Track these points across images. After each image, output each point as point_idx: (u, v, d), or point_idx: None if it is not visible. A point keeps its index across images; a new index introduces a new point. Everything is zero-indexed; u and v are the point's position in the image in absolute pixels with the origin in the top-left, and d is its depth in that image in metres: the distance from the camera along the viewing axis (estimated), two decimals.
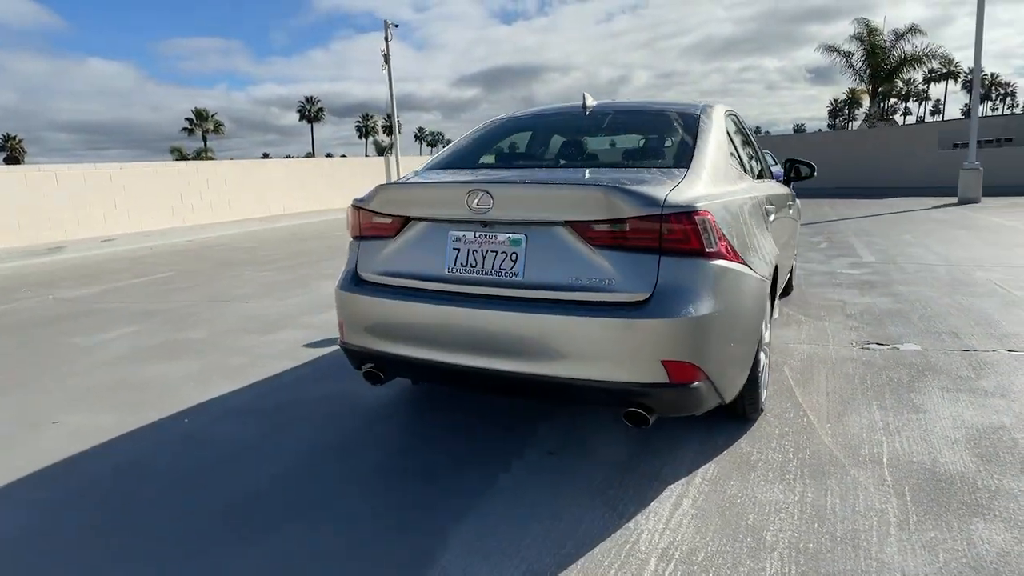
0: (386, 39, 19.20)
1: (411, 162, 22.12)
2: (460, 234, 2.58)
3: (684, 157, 2.81)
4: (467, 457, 2.78)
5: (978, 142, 15.77)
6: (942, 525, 2.16)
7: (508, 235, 2.49)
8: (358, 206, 2.87)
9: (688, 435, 2.89)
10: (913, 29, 29.73)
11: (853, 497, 2.35)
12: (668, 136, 3.10)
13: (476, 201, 2.50)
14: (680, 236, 2.31)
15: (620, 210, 2.33)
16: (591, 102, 3.40)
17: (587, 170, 2.79)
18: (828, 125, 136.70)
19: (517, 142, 3.38)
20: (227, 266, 8.68)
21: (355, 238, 2.93)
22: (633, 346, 2.27)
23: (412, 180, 2.90)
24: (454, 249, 2.59)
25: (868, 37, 29.47)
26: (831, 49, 30.39)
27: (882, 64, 29.21)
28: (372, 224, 2.82)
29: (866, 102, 34.61)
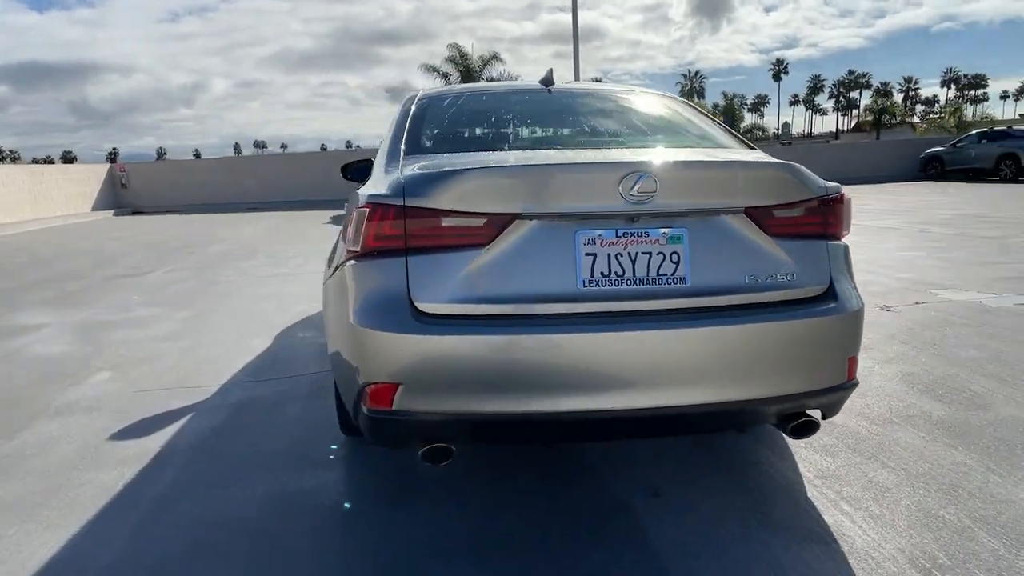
0: None
1: None
2: (594, 234, 1.92)
3: (730, 139, 2.61)
4: (559, 530, 2.12)
5: None
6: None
7: (665, 230, 1.95)
8: (395, 203, 1.91)
9: (740, 438, 2.74)
10: (495, 57, 34.76)
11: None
12: (686, 118, 2.83)
13: (636, 187, 1.89)
14: (834, 219, 2.14)
15: (801, 191, 2.06)
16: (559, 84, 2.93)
17: (683, 149, 2.36)
18: None
19: (511, 123, 2.67)
20: None
21: (387, 253, 1.94)
22: (827, 346, 2.03)
23: (503, 164, 2.04)
24: (587, 255, 1.92)
25: (461, 60, 33.23)
26: (431, 69, 33.27)
27: None
28: (441, 229, 1.90)
29: None
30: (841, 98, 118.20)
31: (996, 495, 2.26)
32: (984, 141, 20.46)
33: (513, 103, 2.89)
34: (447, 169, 1.95)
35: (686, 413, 1.97)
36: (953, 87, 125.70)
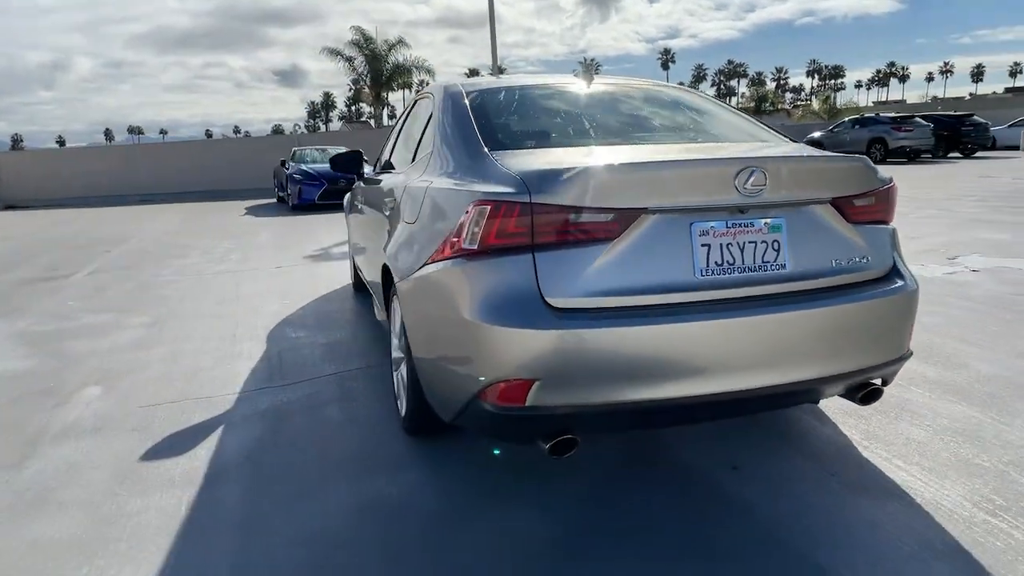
0: None
1: None
2: (708, 225, 2.02)
3: (769, 132, 2.78)
4: (667, 511, 2.23)
5: None
6: None
7: (766, 220, 2.08)
8: (521, 200, 1.91)
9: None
10: (400, 42, 33.91)
11: None
12: (727, 112, 2.97)
13: (750, 180, 1.99)
14: (890, 206, 2.36)
15: (872, 181, 2.26)
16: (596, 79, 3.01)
17: (747, 143, 2.50)
18: (307, 126, 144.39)
19: (581, 118, 2.70)
20: None
21: (510, 250, 1.94)
22: (898, 321, 2.24)
23: (632, 161, 2.07)
24: (703, 246, 2.01)
25: (366, 44, 32.19)
26: (334, 52, 32.11)
27: (382, 70, 32.42)
28: (570, 225, 1.92)
29: (401, 103, 38.27)
30: (722, 86, 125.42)
31: (1011, 441, 2.58)
32: (856, 127, 22.53)
33: (572, 98, 2.93)
34: (575, 166, 1.97)
35: (790, 391, 2.12)
36: (816, 76, 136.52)
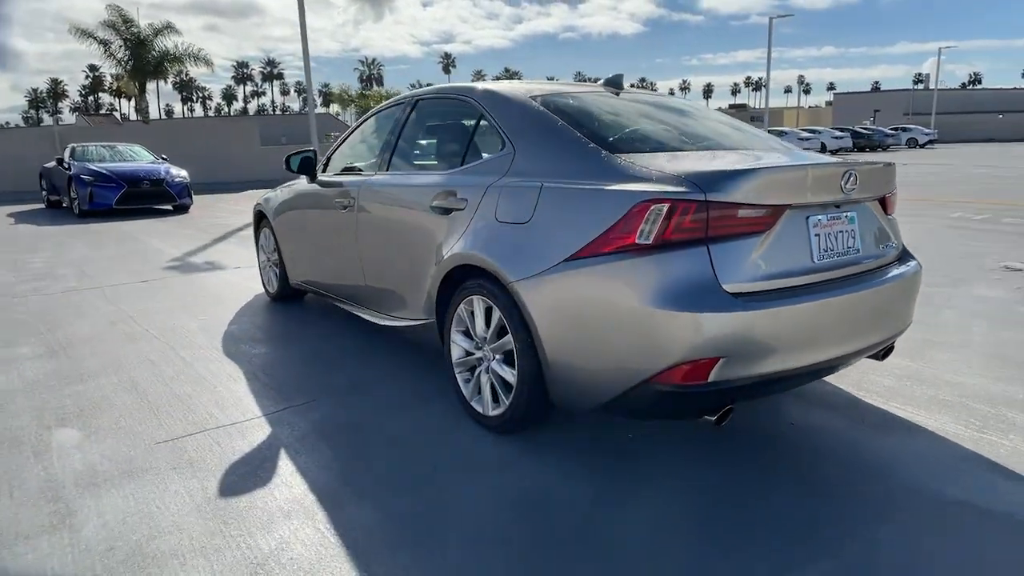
0: None
1: None
2: (817, 218, 2.41)
3: (778, 140, 3.28)
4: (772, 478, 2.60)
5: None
6: None
7: (847, 213, 2.52)
8: (696, 198, 2.12)
9: None
10: (169, 27, 30.40)
11: None
12: (742, 122, 3.40)
13: (850, 181, 2.42)
14: (895, 200, 2.95)
15: (894, 181, 2.80)
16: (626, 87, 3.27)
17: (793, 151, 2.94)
18: (26, 118, 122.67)
19: (659, 123, 2.92)
20: None
21: (686, 243, 2.14)
22: (915, 293, 2.84)
23: (773, 163, 2.41)
24: (815, 235, 2.40)
25: (126, 27, 28.40)
26: (85, 34, 27.96)
27: (148, 57, 28.86)
28: (737, 219, 2.17)
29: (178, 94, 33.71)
30: None
31: (949, 380, 3.37)
32: None
33: (634, 106, 3.13)
34: (741, 168, 2.25)
35: (862, 353, 2.59)
36: None
